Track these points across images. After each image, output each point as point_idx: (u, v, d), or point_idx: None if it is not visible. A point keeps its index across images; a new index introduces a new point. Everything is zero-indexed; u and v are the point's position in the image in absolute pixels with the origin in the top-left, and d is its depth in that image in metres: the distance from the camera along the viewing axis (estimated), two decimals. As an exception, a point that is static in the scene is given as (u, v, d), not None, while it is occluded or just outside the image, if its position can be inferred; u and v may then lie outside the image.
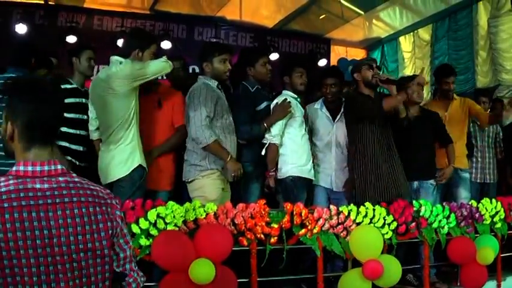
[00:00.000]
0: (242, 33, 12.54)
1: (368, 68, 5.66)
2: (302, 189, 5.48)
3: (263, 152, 5.45)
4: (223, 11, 12.59)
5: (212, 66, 5.04)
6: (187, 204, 4.10)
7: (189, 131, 4.82)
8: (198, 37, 12.63)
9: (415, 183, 5.97)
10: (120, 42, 9.49)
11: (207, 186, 4.80)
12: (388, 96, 5.64)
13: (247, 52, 6.11)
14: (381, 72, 6.04)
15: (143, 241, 3.89)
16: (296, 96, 5.69)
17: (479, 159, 7.31)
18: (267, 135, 5.35)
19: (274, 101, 5.45)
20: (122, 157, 4.56)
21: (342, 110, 5.89)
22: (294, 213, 4.41)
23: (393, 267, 4.61)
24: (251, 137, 5.28)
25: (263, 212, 4.25)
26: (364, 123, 5.57)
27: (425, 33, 14.20)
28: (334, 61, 13.79)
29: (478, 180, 7.25)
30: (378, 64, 6.06)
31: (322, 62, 12.64)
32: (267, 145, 5.40)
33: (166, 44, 11.27)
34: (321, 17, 13.28)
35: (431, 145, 6.19)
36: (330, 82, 5.87)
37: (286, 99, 5.40)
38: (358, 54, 14.81)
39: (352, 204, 4.81)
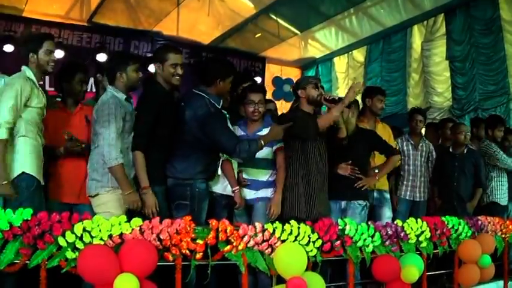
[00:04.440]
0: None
1: (314, 87, 5.96)
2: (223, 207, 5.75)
3: (219, 171, 5.68)
4: (160, 25, 12.89)
5: (127, 75, 5.15)
6: (113, 219, 4.21)
7: (100, 146, 4.91)
8: (135, 51, 12.94)
9: (343, 203, 6.27)
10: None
11: (112, 202, 4.93)
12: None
13: (220, 64, 5.87)
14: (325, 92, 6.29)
15: (69, 254, 4.00)
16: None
17: (410, 177, 7.74)
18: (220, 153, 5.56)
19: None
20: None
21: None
22: (220, 229, 4.57)
23: (317, 284, 4.82)
24: (249, 155, 5.32)
25: (188, 228, 4.39)
26: (299, 140, 5.86)
27: (359, 55, 14.72)
28: (269, 79, 14.16)
29: (408, 198, 7.68)
30: (320, 83, 6.38)
31: (256, 80, 12.97)
32: (220, 163, 5.64)
33: (102, 57, 11.51)
34: (257, 35, 13.59)
35: (364, 165, 6.51)
36: (255, 99, 5.79)
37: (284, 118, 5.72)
38: (293, 73, 15.23)
39: (277, 222, 4.98)
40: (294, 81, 6.49)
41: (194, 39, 13.94)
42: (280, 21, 13.55)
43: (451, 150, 8.07)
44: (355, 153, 6.38)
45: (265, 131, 5.62)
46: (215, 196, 5.71)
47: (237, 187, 5.73)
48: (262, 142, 5.28)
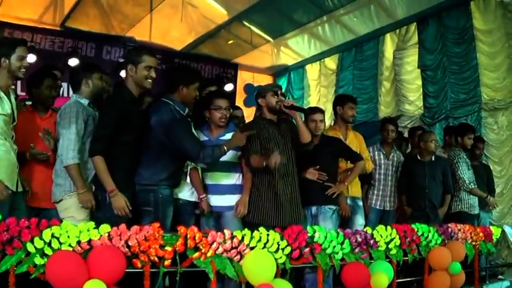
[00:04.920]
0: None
1: (273, 95, 5.97)
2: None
3: (188, 179, 5.71)
4: (133, 31, 12.92)
5: (92, 83, 5.26)
6: (81, 225, 4.22)
7: (59, 147, 5.00)
8: (107, 56, 12.93)
9: (314, 208, 6.33)
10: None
11: (75, 206, 4.97)
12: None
13: (185, 71, 6.06)
14: (286, 99, 6.32)
15: (38, 260, 3.98)
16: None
17: (381, 186, 7.83)
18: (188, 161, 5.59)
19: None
20: None
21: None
22: (188, 236, 4.57)
23: None
24: (213, 161, 5.38)
25: (157, 235, 4.39)
26: (260, 140, 5.92)
27: (331, 62, 14.87)
28: (240, 86, 14.21)
29: (378, 207, 7.75)
30: (282, 90, 6.44)
31: (228, 87, 12.99)
32: (188, 171, 5.67)
33: (74, 61, 11.51)
34: (229, 42, 13.66)
35: (332, 172, 6.57)
36: (222, 104, 5.81)
37: (247, 126, 5.73)
38: (265, 80, 15.32)
39: (246, 229, 4.99)
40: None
41: (167, 45, 13.99)
42: (253, 28, 13.66)
43: (419, 157, 8.13)
44: (322, 160, 6.45)
45: (228, 136, 5.68)
46: (182, 203, 5.72)
47: (204, 195, 5.76)
48: (226, 148, 5.33)
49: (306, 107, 7.16)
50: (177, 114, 5.29)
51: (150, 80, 5.19)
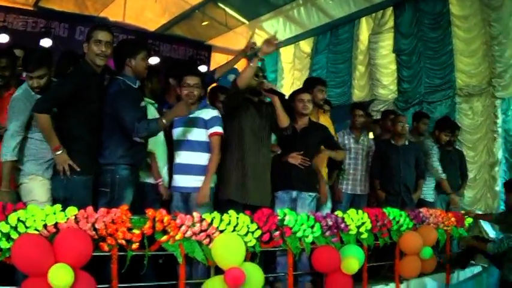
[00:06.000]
0: (123, 35, 12.72)
1: (254, 77, 5.95)
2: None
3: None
4: (107, 11, 12.86)
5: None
6: (47, 208, 4.19)
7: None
8: (80, 36, 12.80)
9: (294, 193, 6.33)
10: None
11: (36, 189, 4.95)
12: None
13: (127, 43, 6.08)
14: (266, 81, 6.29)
15: (4, 244, 3.97)
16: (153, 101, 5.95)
17: (351, 171, 7.86)
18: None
19: None
20: None
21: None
22: (156, 219, 4.56)
23: (255, 275, 4.87)
24: (149, 134, 5.27)
25: (124, 218, 4.37)
26: (236, 116, 5.96)
27: (306, 46, 14.91)
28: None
29: (349, 191, 7.80)
30: (264, 73, 6.42)
31: (202, 69, 12.92)
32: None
33: (46, 42, 11.43)
34: (204, 24, 13.61)
35: (315, 157, 6.65)
36: (190, 82, 5.78)
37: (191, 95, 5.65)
38: (239, 62, 15.28)
39: (215, 212, 4.97)
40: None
41: (140, 25, 13.92)
42: (228, 9, 13.66)
43: (392, 142, 8.19)
44: (308, 143, 6.50)
45: (197, 114, 5.73)
46: (147, 187, 5.74)
47: (160, 179, 5.80)
48: (164, 121, 5.16)
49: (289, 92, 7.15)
50: (123, 86, 5.26)
51: (101, 57, 5.12)
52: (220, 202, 5.78)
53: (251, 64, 5.71)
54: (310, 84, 7.36)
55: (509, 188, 7.22)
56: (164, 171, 5.95)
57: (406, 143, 8.16)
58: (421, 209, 7.31)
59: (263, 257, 5.29)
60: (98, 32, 5.12)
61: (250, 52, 6.50)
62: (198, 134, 5.73)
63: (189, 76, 5.78)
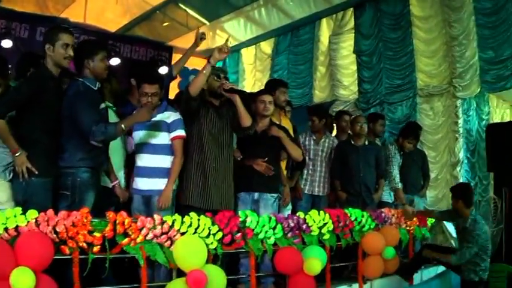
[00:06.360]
0: (84, 36, 12.51)
1: (215, 78, 6.01)
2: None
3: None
4: (68, 12, 12.76)
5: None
6: (8, 211, 4.17)
7: None
8: (40, 37, 12.56)
9: (256, 194, 6.29)
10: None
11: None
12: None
13: (86, 44, 5.95)
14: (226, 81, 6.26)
15: None
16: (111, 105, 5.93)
17: (310, 172, 7.91)
18: None
19: None
20: None
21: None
22: (117, 222, 4.56)
23: (217, 277, 4.89)
24: (106, 138, 5.21)
25: (85, 220, 4.36)
26: (195, 120, 5.96)
27: (267, 47, 14.99)
28: (175, 69, 14.15)
29: (308, 192, 7.86)
30: (226, 74, 6.44)
31: (163, 70, 12.89)
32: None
33: (7, 43, 11.31)
34: (164, 24, 13.61)
35: (278, 158, 6.66)
36: (148, 91, 5.68)
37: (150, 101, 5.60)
38: (200, 63, 15.19)
39: (176, 214, 5.01)
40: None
41: (101, 26, 13.79)
42: (189, 10, 13.67)
43: (352, 142, 8.21)
44: (271, 146, 6.49)
45: (159, 117, 5.73)
46: (105, 189, 5.69)
47: (116, 181, 5.80)
48: (123, 126, 5.12)
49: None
50: (82, 88, 5.21)
51: (67, 60, 5.11)
52: (180, 206, 5.77)
53: (204, 71, 5.74)
54: (272, 86, 7.34)
55: (455, 194, 7.27)
56: (121, 174, 5.94)
57: (366, 143, 8.20)
58: (382, 209, 7.37)
59: (226, 258, 5.33)
60: (64, 35, 5.09)
61: (199, 42, 6.46)
62: (160, 138, 5.73)
63: (146, 84, 5.70)
